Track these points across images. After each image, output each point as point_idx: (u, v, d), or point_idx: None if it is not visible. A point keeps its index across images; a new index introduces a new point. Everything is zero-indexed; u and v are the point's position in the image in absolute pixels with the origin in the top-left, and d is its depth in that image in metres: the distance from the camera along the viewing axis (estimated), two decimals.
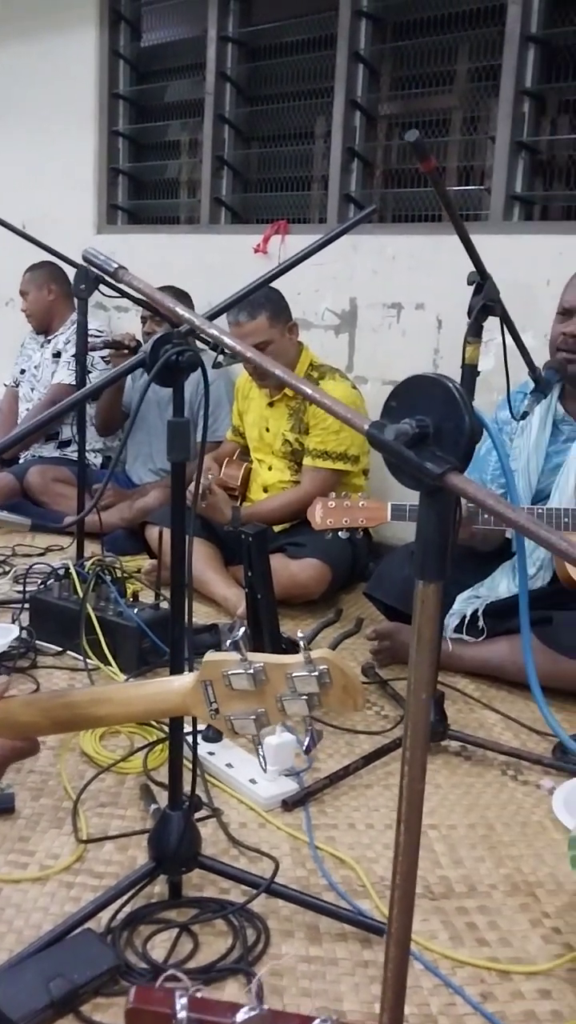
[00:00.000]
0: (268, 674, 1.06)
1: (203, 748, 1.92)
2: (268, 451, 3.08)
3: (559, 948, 1.44)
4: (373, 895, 1.54)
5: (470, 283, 1.86)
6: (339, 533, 2.32)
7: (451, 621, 2.38)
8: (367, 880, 1.57)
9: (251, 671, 1.05)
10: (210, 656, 1.08)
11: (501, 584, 2.48)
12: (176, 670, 1.43)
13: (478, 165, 3.32)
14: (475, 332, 1.86)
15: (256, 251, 3.62)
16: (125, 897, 1.45)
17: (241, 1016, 0.62)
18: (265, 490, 3.07)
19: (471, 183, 3.31)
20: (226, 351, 2.63)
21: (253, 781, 1.83)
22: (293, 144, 3.84)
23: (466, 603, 2.45)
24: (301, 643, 1.05)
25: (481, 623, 2.41)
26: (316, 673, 1.04)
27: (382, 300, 3.30)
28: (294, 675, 1.05)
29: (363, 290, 3.36)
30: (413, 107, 3.53)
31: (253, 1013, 0.62)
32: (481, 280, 1.83)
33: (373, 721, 2.18)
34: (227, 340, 0.95)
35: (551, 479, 2.44)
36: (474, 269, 1.84)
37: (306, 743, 1.10)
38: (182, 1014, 0.62)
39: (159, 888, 1.52)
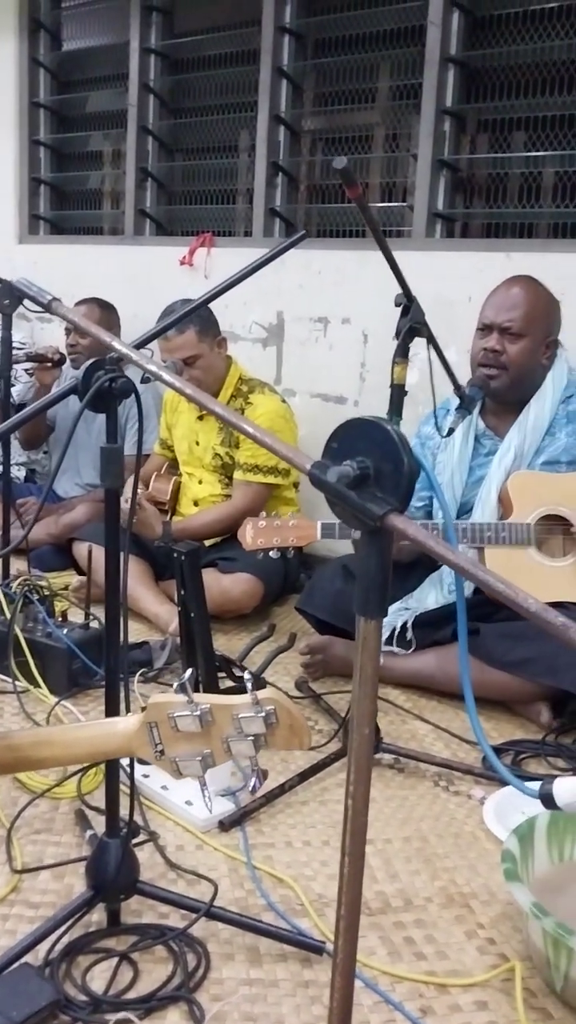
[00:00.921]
0: (214, 715, 1.06)
1: (138, 771, 1.91)
2: (198, 465, 3.08)
3: (494, 959, 1.48)
4: (312, 913, 1.55)
5: (397, 305, 1.89)
6: (270, 553, 2.33)
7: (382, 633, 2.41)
8: (306, 898, 1.59)
9: (197, 712, 1.06)
10: (156, 698, 1.09)
11: (429, 596, 2.52)
12: (112, 693, 1.42)
13: (400, 182, 3.38)
14: (402, 353, 1.89)
15: (182, 263, 3.62)
16: (63, 928, 1.43)
17: None
18: (196, 504, 3.07)
19: (394, 199, 3.37)
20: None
21: (189, 803, 1.82)
22: (217, 157, 3.84)
23: (395, 615, 2.49)
24: (248, 685, 1.07)
25: (410, 635, 2.46)
26: (263, 714, 1.05)
27: (309, 314, 3.33)
28: (240, 716, 1.06)
29: (290, 304, 3.39)
30: (336, 123, 3.57)
31: None
32: (408, 302, 1.87)
33: None
34: (165, 376, 0.96)
35: (474, 492, 2.49)
36: (400, 291, 1.87)
37: (252, 783, 1.11)
38: None
39: (97, 916, 1.50)
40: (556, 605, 2.27)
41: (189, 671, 1.09)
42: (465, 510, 2.50)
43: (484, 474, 2.49)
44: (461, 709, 2.37)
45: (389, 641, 2.44)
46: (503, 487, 2.40)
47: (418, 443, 2.65)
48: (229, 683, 2.34)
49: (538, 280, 2.45)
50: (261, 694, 1.06)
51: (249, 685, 1.06)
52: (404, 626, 2.46)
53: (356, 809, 0.83)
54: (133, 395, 1.35)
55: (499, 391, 2.41)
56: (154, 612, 2.78)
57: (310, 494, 3.22)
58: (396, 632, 2.46)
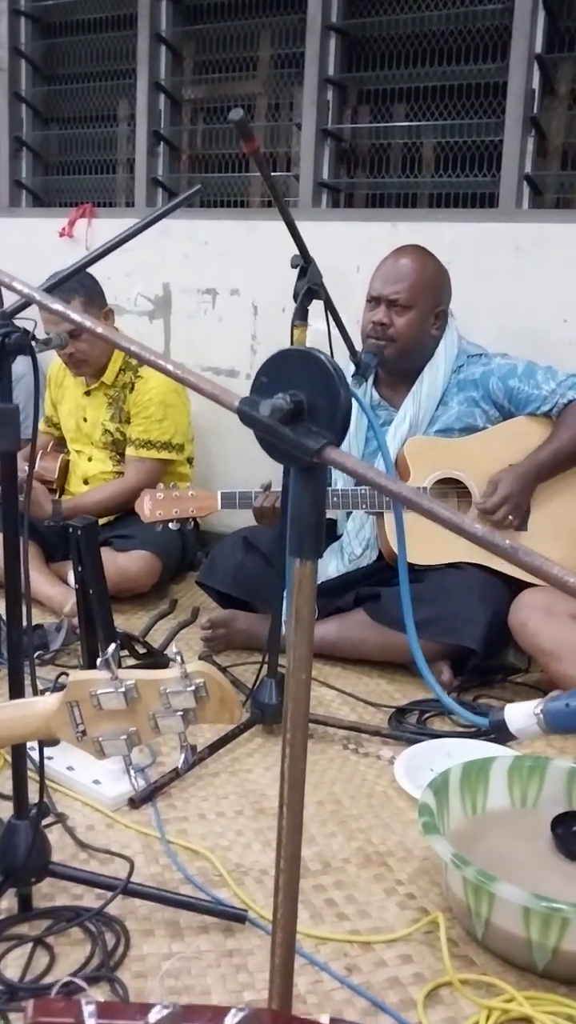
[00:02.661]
0: (140, 691, 1.02)
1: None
2: (87, 442, 2.98)
3: (415, 913, 1.49)
4: (231, 883, 1.53)
5: (294, 266, 1.87)
6: (169, 525, 2.29)
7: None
8: (223, 869, 1.56)
9: (122, 689, 1.01)
10: (77, 675, 1.03)
11: (330, 565, 2.53)
12: (16, 678, 1.36)
13: (283, 152, 3.35)
14: (301, 315, 1.87)
15: (62, 235, 3.49)
16: None
17: (154, 1016, 0.59)
18: (86, 482, 2.97)
19: (276, 170, 3.34)
20: (38, 338, 2.52)
21: (97, 782, 1.77)
22: (96, 126, 3.72)
23: None
24: (176, 658, 1.02)
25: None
26: (192, 688, 1.01)
27: (196, 286, 3.27)
28: (168, 691, 1.01)
29: (176, 275, 3.32)
30: (218, 92, 3.51)
31: (166, 1012, 0.59)
32: (305, 263, 1.85)
33: None
34: (87, 323, 0.90)
35: (371, 462, 2.50)
36: (297, 253, 1.85)
37: (181, 760, 1.07)
38: (91, 1022, 0.58)
39: (7, 903, 1.44)
40: (452, 566, 2.33)
41: (112, 646, 1.04)
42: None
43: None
44: (364, 674, 2.38)
45: None
46: (399, 453, 2.42)
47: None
48: (132, 661, 2.29)
49: (426, 250, 2.47)
50: (190, 667, 1.01)
51: (178, 658, 1.02)
52: None
53: (294, 756, 0.80)
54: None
55: (389, 362, 2.42)
56: (47, 594, 2.69)
57: (205, 470, 3.18)
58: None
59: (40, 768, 1.38)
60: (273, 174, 3.28)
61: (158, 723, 1.02)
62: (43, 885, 1.46)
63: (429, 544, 2.35)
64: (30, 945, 1.36)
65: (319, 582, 2.49)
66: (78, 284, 2.79)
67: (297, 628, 0.79)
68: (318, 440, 0.71)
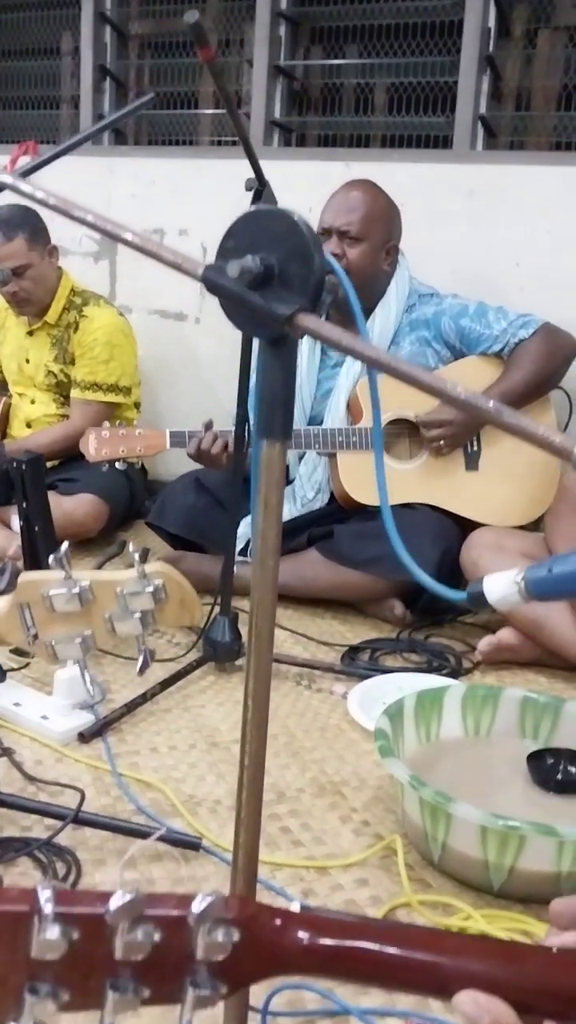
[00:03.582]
0: (95, 592, 0.97)
1: None
2: (29, 384, 2.90)
3: (370, 839, 1.48)
4: (184, 813, 1.50)
5: (248, 189, 1.81)
6: (116, 464, 2.23)
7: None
8: (176, 799, 1.53)
9: (76, 590, 0.97)
10: (28, 575, 0.98)
11: (283, 509, 2.49)
12: None
13: (234, 90, 3.26)
14: None
15: (2, 171, 3.36)
16: None
17: (115, 902, 0.55)
18: (29, 426, 2.89)
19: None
20: None
21: (45, 717, 1.72)
22: (38, 59, 3.58)
23: (250, 526, 2.45)
24: (135, 556, 0.98)
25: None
26: (151, 588, 0.97)
27: (143, 226, 3.18)
28: (126, 592, 0.97)
29: (122, 215, 3.18)
30: (166, 27, 3.39)
31: (127, 898, 0.55)
32: (260, 186, 1.80)
33: (165, 649, 2.13)
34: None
35: (323, 405, 2.47)
36: (252, 176, 1.80)
37: (139, 664, 1.03)
38: (48, 907, 0.54)
39: None
40: (405, 506, 2.32)
41: (65, 543, 0.99)
42: (315, 422, 2.48)
43: (332, 386, 2.47)
44: (316, 615, 2.37)
45: (243, 552, 2.39)
46: (352, 394, 2.40)
47: None
48: None
49: (377, 184, 2.43)
50: (149, 567, 0.98)
51: (136, 556, 0.97)
52: None
53: (259, 651, 0.78)
54: None
55: (340, 300, 2.38)
56: None
57: (153, 418, 3.11)
58: (251, 543, 2.43)
59: None
60: (223, 112, 3.21)
61: (115, 626, 0.98)
62: None
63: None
64: None
65: None
66: (22, 220, 2.69)
67: (265, 515, 0.75)
68: (290, 306, 0.68)
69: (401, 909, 1.32)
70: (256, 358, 0.73)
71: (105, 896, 0.57)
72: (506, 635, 2.09)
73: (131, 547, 0.99)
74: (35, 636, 0.97)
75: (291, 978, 1.16)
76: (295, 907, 0.63)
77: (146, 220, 3.17)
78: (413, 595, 2.28)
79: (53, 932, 0.55)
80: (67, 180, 3.23)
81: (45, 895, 0.55)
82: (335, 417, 2.43)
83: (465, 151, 2.77)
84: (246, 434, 1.95)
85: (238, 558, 2.35)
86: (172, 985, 0.59)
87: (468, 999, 0.56)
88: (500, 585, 1.06)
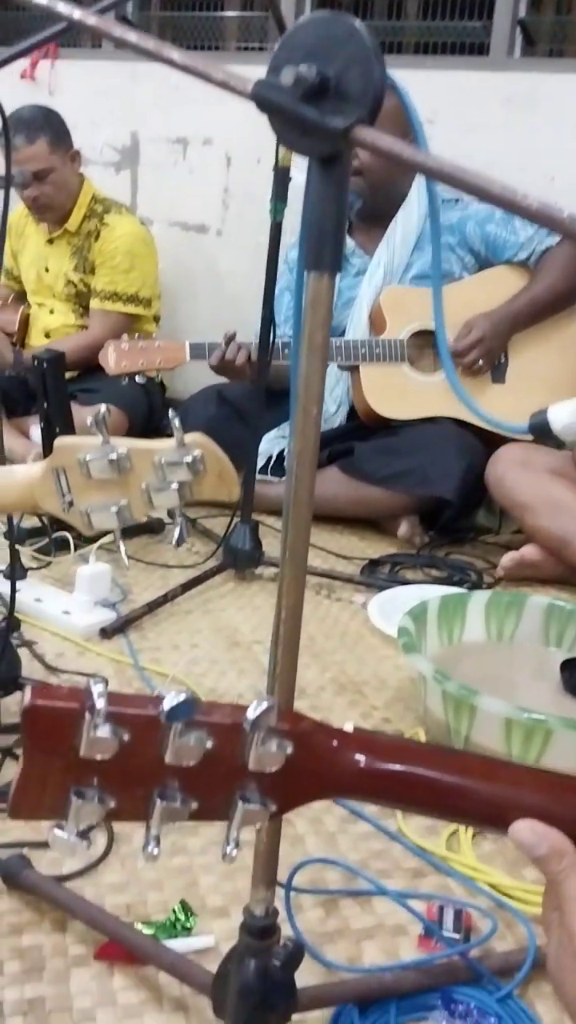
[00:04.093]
0: (133, 460, 0.93)
1: (5, 586, 1.77)
2: (48, 294, 2.85)
3: (392, 733, 1.47)
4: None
5: None
6: (136, 378, 2.20)
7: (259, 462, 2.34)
8: (199, 692, 1.53)
9: (113, 456, 0.93)
10: (64, 440, 0.95)
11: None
12: None
13: None
14: None
15: (23, 77, 3.27)
16: None
17: (168, 704, 0.53)
18: (47, 336, 2.84)
19: (253, 9, 3.14)
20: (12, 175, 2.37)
21: (67, 612, 1.72)
22: None
23: (273, 443, 2.43)
24: (175, 422, 0.94)
25: (287, 462, 2.39)
26: (189, 459, 0.93)
27: (166, 135, 3.10)
28: (164, 461, 0.93)
29: (145, 123, 3.14)
30: None
31: (180, 698, 0.53)
32: None
33: (185, 557, 2.12)
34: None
35: (344, 314, 2.43)
36: None
37: (176, 535, 0.99)
38: (100, 704, 0.52)
39: None
40: (429, 420, 2.28)
41: (103, 405, 0.96)
42: (336, 333, 2.43)
43: (354, 296, 2.43)
44: (335, 531, 2.34)
45: (264, 470, 2.36)
46: (375, 304, 2.35)
47: (287, 269, 2.54)
48: None
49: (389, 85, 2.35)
50: (187, 437, 0.94)
51: (176, 423, 0.94)
52: (281, 454, 2.41)
53: (297, 525, 0.75)
54: None
55: (361, 197, 2.34)
56: (8, 447, 2.57)
57: (172, 333, 3.05)
58: (273, 461, 2.40)
59: (11, 574, 1.33)
60: (250, 13, 3.11)
61: (151, 497, 0.94)
62: (11, 703, 1.41)
63: (406, 398, 2.30)
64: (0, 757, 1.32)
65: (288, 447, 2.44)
66: (45, 122, 2.62)
67: (310, 355, 0.72)
68: (347, 118, 0.63)
69: None
70: (307, 182, 0.69)
71: (158, 699, 0.56)
72: (529, 551, 2.07)
73: (171, 413, 0.95)
74: (70, 503, 0.94)
75: (317, 854, 1.17)
76: (349, 727, 0.61)
77: (169, 128, 3.08)
78: (434, 513, 2.25)
79: (104, 731, 0.53)
80: (88, 85, 3.17)
81: (98, 691, 0.53)
82: (357, 328, 2.39)
83: (502, 58, 2.67)
84: (271, 340, 1.91)
85: (258, 477, 2.33)
86: (221, 798, 0.57)
87: (526, 827, 0.55)
88: (566, 413, 1.00)
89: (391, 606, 1.87)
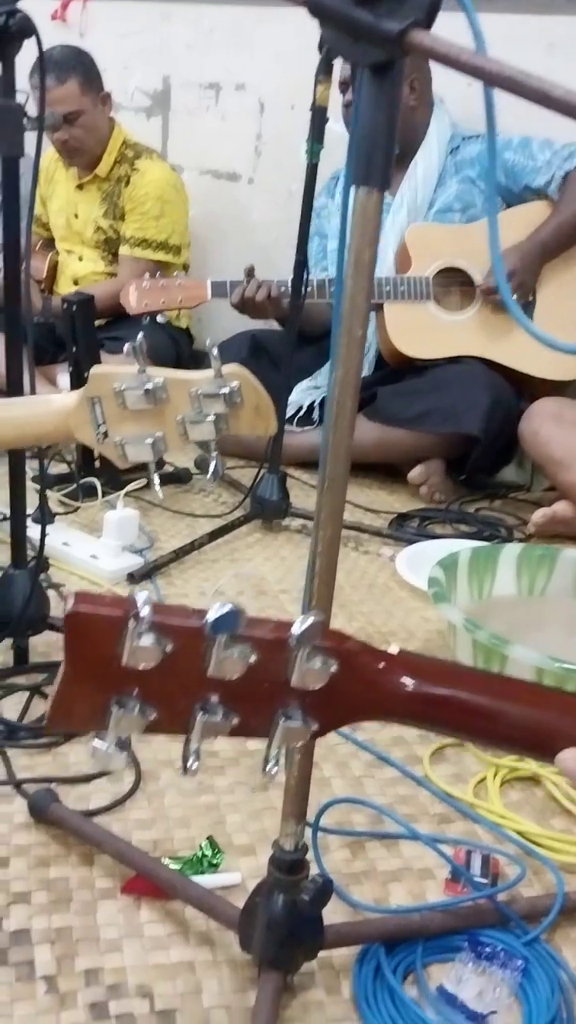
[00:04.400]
0: (169, 391, 0.91)
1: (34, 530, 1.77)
2: (77, 240, 2.82)
3: None
4: None
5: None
6: (157, 317, 2.18)
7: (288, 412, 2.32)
8: None
9: (149, 386, 0.91)
10: (99, 368, 0.93)
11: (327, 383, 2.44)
12: (16, 472, 1.29)
13: None
14: (325, 70, 1.71)
15: (54, 18, 3.21)
16: None
17: (213, 615, 0.52)
18: (76, 283, 2.82)
19: None
20: (29, 114, 2.33)
21: (94, 557, 1.71)
22: None
23: (304, 394, 2.40)
24: (213, 352, 0.92)
25: (316, 414, 2.38)
26: (226, 391, 0.91)
27: (198, 80, 3.03)
28: (201, 393, 0.91)
29: (177, 67, 3.07)
30: None
31: (226, 610, 0.52)
32: None
33: (212, 507, 2.11)
34: None
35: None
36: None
37: (211, 469, 0.97)
38: (145, 612, 0.51)
39: (1, 657, 1.39)
40: (455, 360, 2.25)
41: (140, 334, 0.94)
42: None
43: (378, 234, 2.39)
44: (364, 485, 2.32)
45: (291, 421, 2.34)
46: (400, 241, 2.32)
47: (314, 216, 2.50)
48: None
49: None
50: (226, 368, 0.91)
51: (214, 352, 0.91)
52: (311, 406, 2.39)
53: (340, 425, 0.73)
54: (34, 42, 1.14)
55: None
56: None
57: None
58: (302, 412, 2.38)
59: (41, 517, 1.32)
60: None
61: (187, 429, 0.92)
62: (39, 643, 1.41)
63: (432, 337, 2.27)
64: (27, 693, 1.32)
65: (319, 398, 2.41)
66: (76, 62, 2.58)
67: (356, 272, 0.70)
68: (402, 20, 0.60)
69: (450, 748, 1.31)
70: (356, 95, 0.66)
71: (202, 611, 0.54)
72: (562, 508, 2.04)
73: (208, 341, 0.92)
74: (105, 434, 0.93)
75: (344, 794, 1.16)
76: (394, 650, 0.60)
77: (202, 72, 3.02)
78: (461, 458, 2.22)
79: (147, 640, 0.52)
80: (120, 27, 3.11)
81: (142, 598, 0.52)
82: (382, 267, 2.35)
83: (546, 0, 2.58)
84: (304, 283, 1.88)
85: (287, 426, 2.30)
86: (263, 715, 0.56)
87: (572, 756, 0.53)
88: None
89: (419, 559, 1.85)
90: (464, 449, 2.19)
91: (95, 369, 0.93)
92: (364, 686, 0.55)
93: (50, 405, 0.95)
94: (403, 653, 0.59)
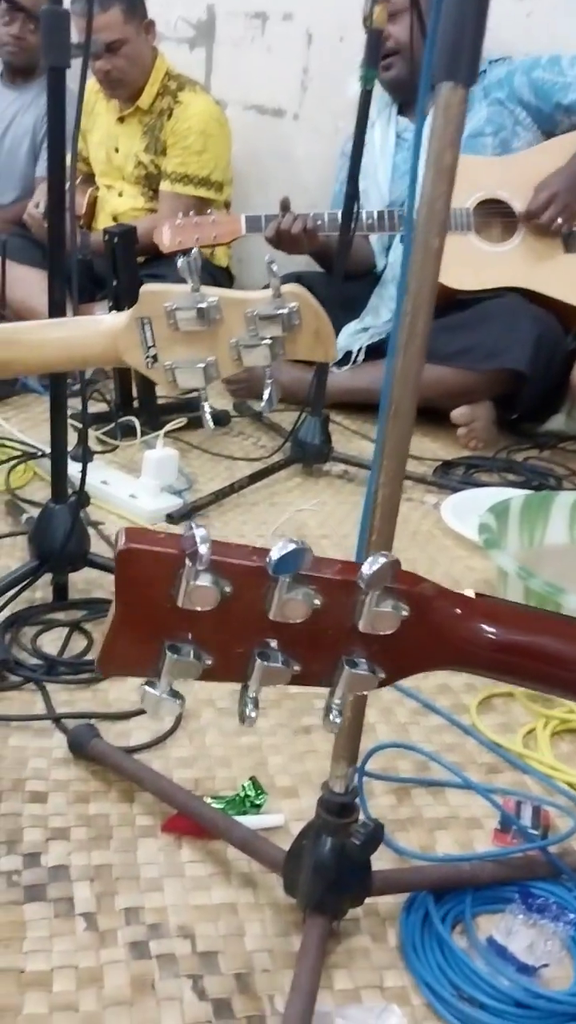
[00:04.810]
0: (223, 311, 0.85)
1: (73, 468, 1.74)
2: (118, 175, 2.75)
3: None
4: None
5: None
6: (190, 252, 2.12)
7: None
8: None
9: (203, 305, 0.85)
10: (150, 287, 0.88)
11: (381, 311, 2.38)
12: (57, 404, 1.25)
13: None
14: None
15: None
16: (5, 597, 1.30)
17: (276, 554, 0.48)
18: (115, 219, 2.75)
19: None
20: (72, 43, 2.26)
21: (133, 496, 1.68)
22: None
23: (352, 338, 2.34)
24: (271, 267, 0.86)
25: (361, 357, 2.31)
26: (284, 311, 0.85)
27: (244, 9, 2.93)
28: (257, 314, 0.85)
29: None
30: None
31: (289, 549, 0.48)
32: None
33: (251, 450, 2.07)
34: None
35: (402, 186, 2.34)
36: None
37: (266, 397, 0.92)
38: (203, 549, 0.47)
39: (41, 593, 1.37)
40: (498, 295, 2.17)
41: (196, 248, 0.88)
42: (395, 207, 2.33)
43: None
44: None
45: (338, 365, 2.29)
46: None
47: (344, 163, 2.43)
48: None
49: None
50: (285, 287, 0.85)
51: (273, 268, 0.85)
52: (359, 350, 2.33)
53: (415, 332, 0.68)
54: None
55: (402, 80, 2.26)
56: None
57: None
58: (353, 357, 2.31)
59: (82, 454, 1.28)
60: None
61: (241, 353, 0.87)
62: (78, 580, 1.39)
63: (473, 268, 2.19)
64: (67, 629, 1.30)
65: (378, 333, 2.33)
66: None
67: (436, 178, 0.64)
68: None
69: (498, 698, 1.28)
70: None
71: (264, 550, 0.51)
72: None
73: (267, 256, 0.87)
74: (154, 357, 0.88)
75: (391, 739, 1.13)
76: (470, 593, 0.56)
77: (248, 3, 2.91)
78: (508, 399, 2.15)
79: (205, 580, 0.48)
80: None
81: (200, 535, 0.48)
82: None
83: None
84: (353, 216, 1.81)
85: (332, 368, 2.24)
86: (326, 661, 0.52)
87: None
88: None
89: (465, 507, 1.81)
90: (512, 387, 2.12)
91: (146, 287, 0.88)
92: (438, 633, 0.51)
93: (99, 325, 0.91)
94: (481, 597, 0.55)
